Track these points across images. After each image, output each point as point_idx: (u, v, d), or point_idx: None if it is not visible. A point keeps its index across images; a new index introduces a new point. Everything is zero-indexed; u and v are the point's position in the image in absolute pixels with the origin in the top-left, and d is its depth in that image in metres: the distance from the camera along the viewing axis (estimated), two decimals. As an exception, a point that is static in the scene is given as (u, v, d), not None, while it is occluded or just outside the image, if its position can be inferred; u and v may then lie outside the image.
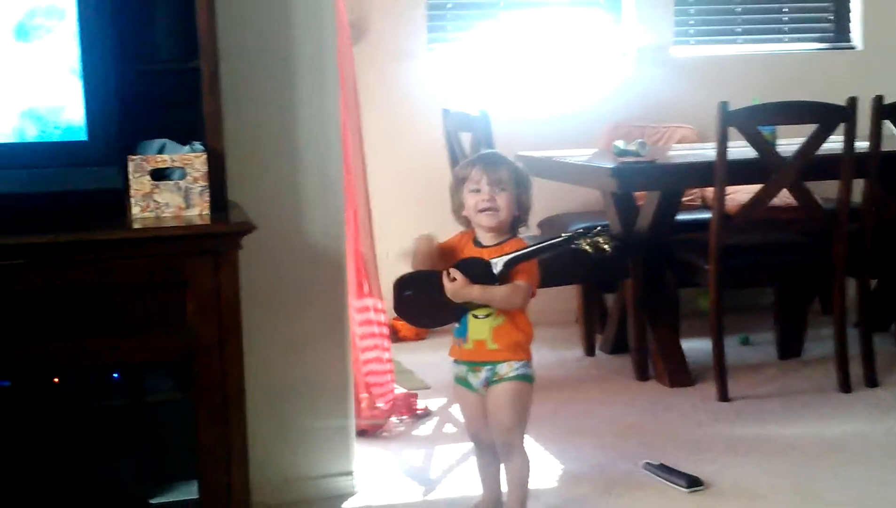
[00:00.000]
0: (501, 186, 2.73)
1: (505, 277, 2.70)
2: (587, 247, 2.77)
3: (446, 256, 2.77)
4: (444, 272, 2.70)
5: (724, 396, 3.88)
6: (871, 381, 4.00)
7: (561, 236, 2.80)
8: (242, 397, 2.43)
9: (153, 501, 2.55)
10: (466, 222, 2.82)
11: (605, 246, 2.76)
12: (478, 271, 2.69)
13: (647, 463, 3.24)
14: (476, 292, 2.69)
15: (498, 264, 2.69)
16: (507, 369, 2.76)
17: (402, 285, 2.76)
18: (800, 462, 3.27)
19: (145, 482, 2.58)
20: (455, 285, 2.69)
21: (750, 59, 5.36)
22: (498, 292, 2.70)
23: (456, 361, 2.83)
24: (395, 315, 2.93)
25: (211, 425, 2.41)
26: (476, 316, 2.75)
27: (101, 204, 2.54)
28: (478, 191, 2.73)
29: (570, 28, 5.24)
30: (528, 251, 2.75)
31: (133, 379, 2.54)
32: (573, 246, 2.78)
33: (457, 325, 2.79)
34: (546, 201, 4.93)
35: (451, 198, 2.83)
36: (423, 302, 2.76)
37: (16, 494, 2.44)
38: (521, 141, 4.66)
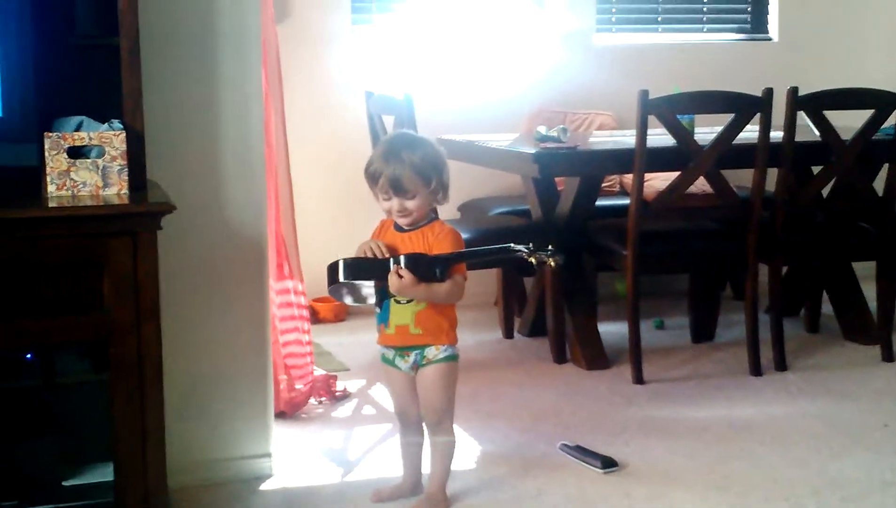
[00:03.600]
0: (409, 194, 2.72)
1: (445, 272, 2.72)
2: (532, 260, 2.78)
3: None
4: (393, 267, 2.67)
5: (639, 379, 3.95)
6: (781, 365, 4.10)
7: (511, 246, 2.81)
8: (159, 378, 2.40)
9: (67, 483, 2.52)
10: None
11: (551, 263, 2.78)
12: (423, 267, 2.68)
13: (564, 445, 3.29)
14: (422, 291, 2.70)
15: (440, 263, 2.68)
16: (436, 352, 2.79)
17: (341, 272, 2.69)
18: (711, 444, 3.35)
19: (59, 463, 2.54)
20: (404, 283, 2.67)
21: (670, 49, 5.44)
22: (441, 290, 2.72)
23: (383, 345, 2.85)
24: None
25: (127, 407, 2.38)
26: (398, 301, 2.76)
27: (17, 181, 2.49)
28: (389, 200, 2.73)
29: (495, 12, 5.26)
30: (475, 252, 2.75)
31: (47, 360, 2.50)
32: (518, 254, 2.80)
33: (378, 310, 2.80)
34: (467, 184, 4.98)
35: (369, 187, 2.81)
36: (356, 287, 2.75)
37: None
38: (443, 124, 4.68)
